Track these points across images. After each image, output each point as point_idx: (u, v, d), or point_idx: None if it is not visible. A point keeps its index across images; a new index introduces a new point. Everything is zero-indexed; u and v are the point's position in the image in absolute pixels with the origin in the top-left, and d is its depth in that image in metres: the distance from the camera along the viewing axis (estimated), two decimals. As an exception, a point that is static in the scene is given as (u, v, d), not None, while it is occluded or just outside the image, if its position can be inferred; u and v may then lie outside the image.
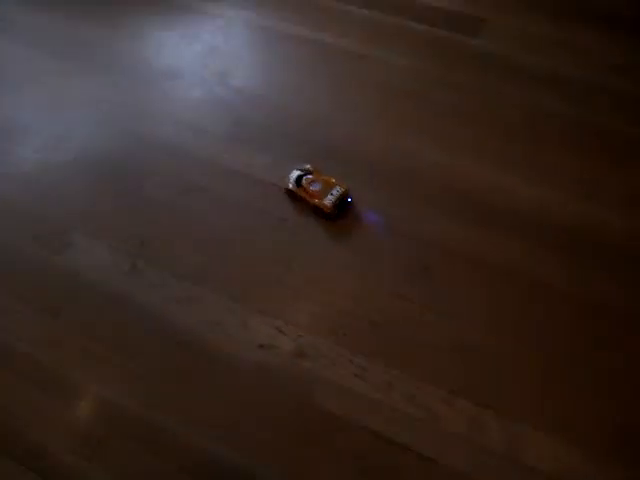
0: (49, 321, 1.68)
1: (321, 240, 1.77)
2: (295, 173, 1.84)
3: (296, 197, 1.83)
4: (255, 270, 1.73)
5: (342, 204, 1.80)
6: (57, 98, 2.13)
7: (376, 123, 1.96)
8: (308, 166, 1.85)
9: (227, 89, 2.08)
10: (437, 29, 2.14)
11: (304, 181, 1.82)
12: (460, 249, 1.71)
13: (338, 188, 1.81)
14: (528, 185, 1.81)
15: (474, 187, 1.81)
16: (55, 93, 2.15)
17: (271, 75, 2.10)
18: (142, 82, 2.13)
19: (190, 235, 1.80)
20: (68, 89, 2.15)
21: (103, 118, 2.06)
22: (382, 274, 1.70)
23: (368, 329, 1.62)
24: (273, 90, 2.06)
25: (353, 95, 2.02)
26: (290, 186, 1.83)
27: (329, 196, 1.80)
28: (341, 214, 1.81)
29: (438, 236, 1.74)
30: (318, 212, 1.81)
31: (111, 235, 1.82)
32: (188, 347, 1.62)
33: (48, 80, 2.18)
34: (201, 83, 2.11)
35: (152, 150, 1.97)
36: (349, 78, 2.07)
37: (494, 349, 1.57)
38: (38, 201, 1.90)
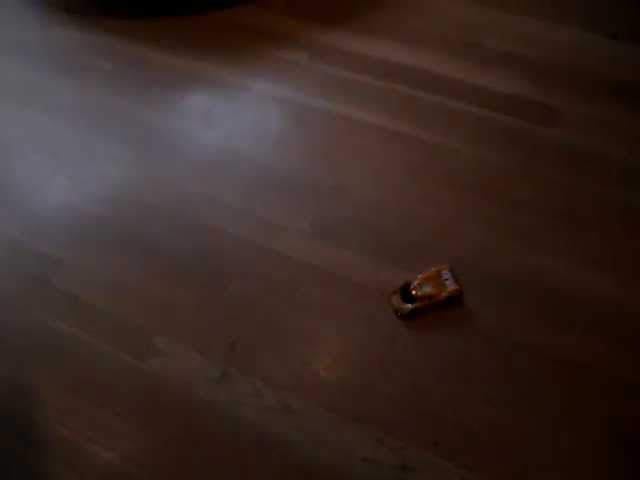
0: (136, 432, 1.64)
1: (413, 343, 1.73)
2: (396, 295, 1.79)
3: (419, 312, 1.77)
4: (349, 375, 1.69)
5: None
6: (125, 184, 2.09)
7: (457, 218, 1.93)
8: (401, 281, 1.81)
9: (305, 181, 2.05)
10: (510, 117, 2.13)
11: (414, 292, 1.77)
12: (552, 353, 1.69)
13: (444, 272, 1.79)
14: (621, 285, 1.78)
15: (569, 288, 1.79)
16: (120, 178, 2.11)
17: (347, 165, 2.07)
18: (209, 169, 2.10)
19: (280, 338, 1.76)
20: (130, 175, 2.11)
21: (174, 208, 2.01)
22: (475, 378, 1.67)
23: (460, 435, 1.59)
24: (351, 181, 2.03)
25: (432, 189, 2.00)
26: (409, 307, 1.76)
27: (447, 282, 1.77)
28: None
29: (529, 339, 1.71)
30: (450, 302, 1.78)
31: (198, 339, 1.77)
32: (287, 460, 1.58)
33: (110, 167, 2.14)
34: (278, 172, 2.08)
35: (234, 245, 1.93)
36: (428, 171, 2.04)
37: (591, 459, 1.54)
38: (115, 301, 1.85)
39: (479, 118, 2.14)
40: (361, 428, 1.62)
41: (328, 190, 2.02)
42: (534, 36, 2.34)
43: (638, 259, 1.83)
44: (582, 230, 1.89)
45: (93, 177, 2.11)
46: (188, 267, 1.90)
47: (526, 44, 2.32)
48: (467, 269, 1.83)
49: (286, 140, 2.15)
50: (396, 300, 1.77)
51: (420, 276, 1.78)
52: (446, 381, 1.67)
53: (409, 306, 1.76)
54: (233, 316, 1.80)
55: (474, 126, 2.12)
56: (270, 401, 1.66)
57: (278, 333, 1.77)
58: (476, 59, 2.29)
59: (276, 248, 1.91)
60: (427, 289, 1.76)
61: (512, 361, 1.68)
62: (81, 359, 1.76)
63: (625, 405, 1.61)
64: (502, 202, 1.96)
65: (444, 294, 1.76)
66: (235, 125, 2.20)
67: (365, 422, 1.62)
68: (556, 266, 1.83)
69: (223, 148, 2.15)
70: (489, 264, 1.85)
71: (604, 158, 2.03)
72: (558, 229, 1.90)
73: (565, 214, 1.93)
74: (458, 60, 2.30)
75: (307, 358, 1.72)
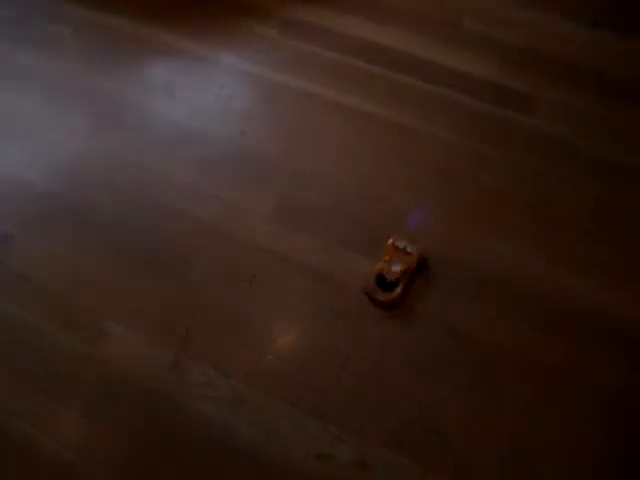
0: (79, 419, 1.56)
1: (380, 336, 1.66)
2: (376, 288, 1.71)
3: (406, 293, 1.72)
4: (310, 370, 1.62)
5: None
6: (79, 159, 1.99)
7: (424, 203, 1.86)
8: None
9: (269, 162, 1.96)
10: (485, 103, 2.05)
11: (389, 276, 1.70)
12: (524, 354, 1.63)
13: (399, 242, 1.73)
14: (596, 287, 1.73)
15: (542, 289, 1.73)
16: (76, 153, 2.00)
17: (315, 147, 1.99)
18: (174, 147, 2.00)
19: (239, 329, 1.68)
20: (90, 149, 2.01)
21: (133, 187, 1.92)
22: (443, 377, 1.60)
23: (430, 438, 1.52)
24: (318, 164, 1.95)
25: (402, 173, 1.92)
26: (399, 291, 1.70)
27: (408, 249, 1.72)
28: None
29: (503, 339, 1.65)
30: (422, 267, 1.74)
31: (151, 325, 1.69)
32: (238, 454, 1.51)
33: (69, 139, 2.03)
34: (240, 152, 1.98)
35: (191, 228, 1.84)
36: (399, 154, 1.96)
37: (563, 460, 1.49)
38: (66, 283, 1.76)
39: (452, 102, 2.07)
40: (318, 423, 1.55)
41: (294, 173, 1.93)
42: (514, 20, 2.27)
43: (615, 257, 1.78)
44: (551, 222, 1.83)
45: (47, 150, 2.01)
46: (143, 249, 1.81)
47: (505, 28, 2.24)
48: (434, 256, 1.77)
49: (252, 117, 2.06)
50: (380, 294, 1.70)
51: (383, 259, 1.71)
52: (411, 377, 1.60)
53: (398, 290, 1.69)
54: (188, 301, 1.72)
55: (447, 111, 2.05)
56: (223, 391, 1.59)
57: (235, 321, 1.69)
58: (454, 41, 2.22)
59: (237, 232, 1.83)
60: (398, 267, 1.69)
61: (480, 358, 1.62)
62: (28, 342, 1.67)
63: (596, 408, 1.56)
64: (471, 188, 1.89)
65: (414, 262, 1.71)
66: (199, 100, 2.10)
67: (322, 416, 1.56)
68: (524, 260, 1.76)
69: (185, 124, 2.05)
70: (456, 252, 1.78)
71: (579, 148, 1.96)
72: (529, 221, 1.83)
73: (537, 205, 1.86)
74: (435, 42, 2.22)
75: (264, 348, 1.65)
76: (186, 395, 1.59)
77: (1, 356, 1.64)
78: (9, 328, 1.68)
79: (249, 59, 2.20)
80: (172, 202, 1.88)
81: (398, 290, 1.69)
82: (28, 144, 2.02)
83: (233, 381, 1.60)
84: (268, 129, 2.03)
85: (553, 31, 2.24)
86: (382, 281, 1.70)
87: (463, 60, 2.16)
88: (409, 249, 1.72)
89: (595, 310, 1.68)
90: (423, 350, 1.64)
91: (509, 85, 2.09)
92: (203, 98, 2.11)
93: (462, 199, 1.87)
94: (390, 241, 1.73)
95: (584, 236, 1.80)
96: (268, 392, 1.59)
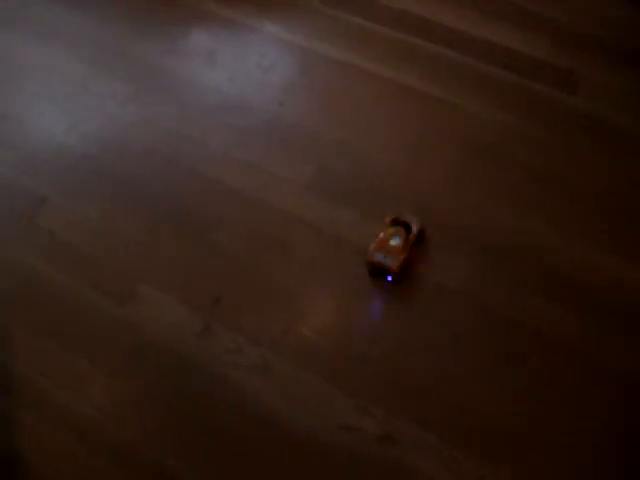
0: (108, 382, 1.57)
1: (411, 314, 1.64)
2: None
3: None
4: (340, 342, 1.61)
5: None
6: (116, 122, 1.99)
7: (459, 183, 1.83)
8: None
9: (305, 132, 1.94)
10: (527, 80, 2.00)
11: (386, 251, 1.67)
12: (556, 335, 1.59)
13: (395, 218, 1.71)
14: (629, 267, 1.68)
15: (572, 267, 1.69)
16: (114, 117, 2.00)
17: (352, 118, 1.96)
18: (211, 114, 1.99)
19: (270, 298, 1.67)
20: (128, 114, 2.01)
21: (167, 152, 1.91)
22: (467, 355, 1.58)
23: (457, 415, 1.50)
24: (355, 136, 1.92)
25: (434, 149, 1.89)
26: (402, 257, 1.67)
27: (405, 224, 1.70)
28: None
29: (531, 319, 1.62)
30: (421, 240, 1.72)
31: (181, 290, 1.69)
32: (264, 422, 1.51)
33: (107, 102, 2.03)
34: (277, 122, 1.96)
35: (223, 194, 1.83)
36: (433, 127, 1.93)
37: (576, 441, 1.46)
38: (100, 246, 1.77)
39: (493, 78, 2.02)
40: (345, 395, 1.54)
41: (331, 143, 1.91)
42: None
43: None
44: (580, 201, 1.79)
45: (84, 114, 2.01)
46: (177, 215, 1.81)
47: (552, 6, 2.18)
48: (459, 234, 1.74)
49: (291, 87, 2.04)
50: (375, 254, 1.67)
51: (379, 238, 1.69)
52: (436, 353, 1.58)
53: (401, 257, 1.66)
54: (221, 269, 1.71)
55: (488, 86, 2.01)
56: (252, 359, 1.59)
57: (266, 290, 1.68)
58: (498, 16, 2.16)
59: (271, 201, 1.82)
60: (397, 241, 1.67)
61: (506, 335, 1.60)
62: (59, 302, 1.68)
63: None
64: (506, 168, 1.85)
65: (412, 236, 1.68)
66: (238, 68, 2.09)
67: (349, 390, 1.54)
68: (556, 241, 1.73)
69: (223, 92, 2.04)
70: (483, 231, 1.75)
71: (621, 130, 1.91)
72: (560, 199, 1.79)
73: (567, 185, 1.82)
74: (480, 17, 2.17)
75: (295, 318, 1.64)
76: (215, 362, 1.59)
77: (31, 315, 1.66)
78: (41, 288, 1.70)
79: (290, 28, 2.17)
80: (207, 169, 1.88)
81: (399, 259, 1.66)
82: (66, 106, 2.03)
83: (262, 349, 1.60)
84: (307, 99, 2.01)
85: (601, 10, 2.17)
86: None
87: (508, 35, 2.11)
88: (408, 219, 1.70)
89: (613, 285, 1.65)
90: (449, 329, 1.61)
91: (553, 62, 2.04)
92: (243, 66, 2.09)
93: (498, 179, 1.83)
94: (388, 219, 1.71)
95: (613, 214, 1.76)
96: (297, 362, 1.58)
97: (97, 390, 1.56)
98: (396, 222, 1.71)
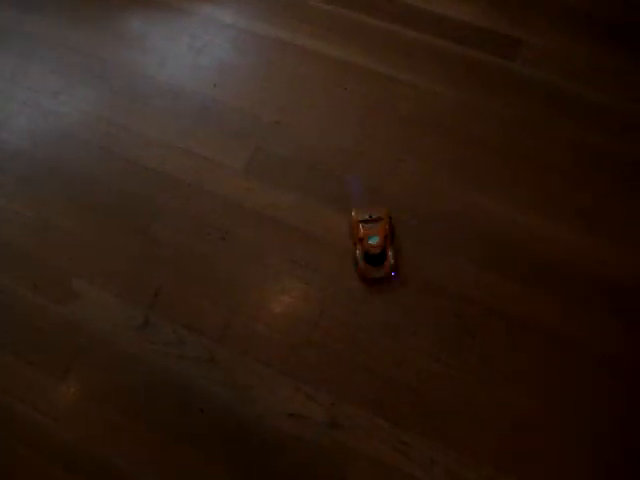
0: (55, 384, 1.53)
1: (355, 294, 1.62)
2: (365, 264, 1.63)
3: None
4: (284, 328, 1.58)
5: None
6: (47, 115, 1.93)
7: (408, 158, 1.79)
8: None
9: (242, 115, 1.90)
10: (470, 49, 1.97)
11: (373, 250, 1.62)
12: (505, 308, 1.58)
13: (361, 214, 1.66)
14: (578, 234, 1.67)
15: (521, 238, 1.67)
16: (45, 110, 1.94)
17: (291, 98, 1.92)
18: (144, 100, 1.93)
19: (210, 286, 1.64)
20: (60, 105, 1.94)
21: (101, 143, 1.86)
22: (420, 335, 1.56)
23: (407, 397, 1.49)
24: (295, 117, 1.88)
25: (382, 126, 1.85)
26: (392, 261, 1.62)
27: (374, 219, 1.65)
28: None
29: (479, 293, 1.60)
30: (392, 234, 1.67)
31: (120, 284, 1.65)
32: (209, 415, 1.49)
33: (38, 95, 1.97)
34: (212, 105, 1.91)
35: (158, 183, 1.79)
36: (378, 105, 1.89)
37: (541, 422, 1.45)
38: (37, 244, 1.72)
39: (435, 49, 1.98)
40: (290, 382, 1.52)
41: (269, 125, 1.87)
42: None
43: (601, 207, 1.71)
44: (538, 172, 1.76)
45: (15, 105, 1.95)
46: (112, 206, 1.76)
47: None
48: (411, 210, 1.72)
49: (226, 68, 1.99)
50: (375, 271, 1.62)
51: (357, 239, 1.65)
52: (387, 336, 1.57)
53: (391, 259, 1.62)
54: (158, 259, 1.68)
55: (430, 57, 1.96)
56: (194, 351, 1.56)
57: (207, 279, 1.65)
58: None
59: (208, 187, 1.77)
60: (376, 238, 1.62)
61: (458, 316, 1.58)
62: (3, 307, 1.63)
63: (583, 370, 1.52)
64: (455, 140, 1.82)
65: (387, 225, 1.64)
66: (172, 52, 2.03)
67: (295, 376, 1.53)
68: (507, 211, 1.71)
69: (156, 77, 1.98)
70: (434, 206, 1.73)
71: (567, 94, 1.88)
72: (513, 170, 1.77)
73: (521, 154, 1.79)
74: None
75: (237, 307, 1.61)
76: (157, 354, 1.56)
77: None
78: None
79: (225, 8, 2.11)
80: (141, 157, 1.83)
81: (391, 259, 1.62)
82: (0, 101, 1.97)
83: (205, 340, 1.57)
84: (243, 81, 1.96)
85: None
86: (369, 257, 1.63)
87: (447, 3, 2.06)
88: (374, 215, 1.65)
89: (577, 260, 1.64)
90: (399, 309, 1.60)
91: (495, 29, 2.00)
92: (174, 49, 2.03)
93: (440, 150, 1.80)
94: (353, 215, 1.67)
95: (568, 183, 1.74)
96: (241, 351, 1.56)
97: (42, 392, 1.52)
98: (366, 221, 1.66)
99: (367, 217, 1.65)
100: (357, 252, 1.63)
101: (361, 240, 1.63)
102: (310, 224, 1.70)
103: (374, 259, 1.62)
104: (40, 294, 1.64)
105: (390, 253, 1.63)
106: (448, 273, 1.62)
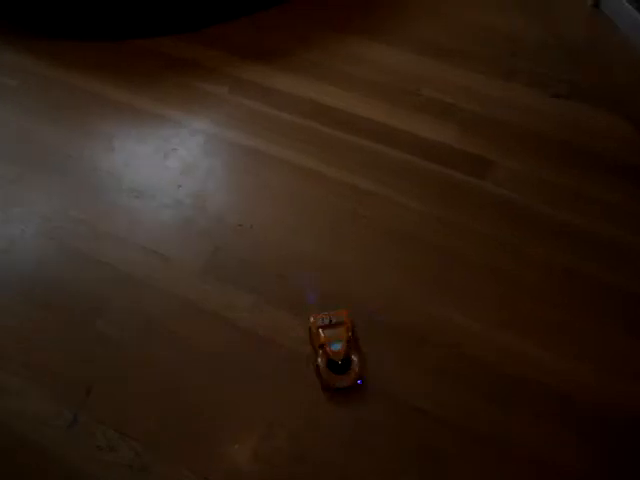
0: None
1: (313, 405, 1.47)
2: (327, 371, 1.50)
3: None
4: (224, 436, 1.42)
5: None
6: (3, 206, 1.85)
7: (384, 272, 1.71)
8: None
9: (204, 214, 1.83)
10: (440, 166, 1.94)
11: (337, 359, 1.49)
12: (479, 429, 1.44)
13: (320, 319, 1.55)
14: (556, 356, 1.56)
15: (496, 358, 1.55)
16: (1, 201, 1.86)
17: (257, 203, 1.86)
18: (106, 198, 1.87)
19: (149, 386, 1.49)
20: (16, 198, 1.87)
21: (55, 235, 1.77)
22: (378, 452, 1.41)
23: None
24: (259, 221, 1.81)
25: (356, 236, 1.79)
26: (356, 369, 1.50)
27: (334, 324, 1.54)
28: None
29: (453, 414, 1.46)
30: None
31: (52, 378, 1.50)
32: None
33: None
34: (174, 205, 1.85)
35: (111, 279, 1.68)
36: (347, 216, 1.84)
37: None
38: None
39: (406, 164, 1.96)
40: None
41: (231, 227, 1.79)
42: (475, 90, 2.19)
43: (571, 325, 1.62)
44: (507, 288, 1.68)
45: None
46: (58, 298, 1.64)
47: (464, 97, 2.17)
48: (375, 315, 1.61)
49: (192, 172, 1.94)
50: (339, 380, 1.49)
51: (317, 346, 1.53)
52: (340, 453, 1.40)
53: (355, 367, 1.49)
54: (97, 356, 1.54)
55: (400, 172, 1.94)
56: (125, 457, 1.38)
57: (148, 379, 1.50)
58: (410, 107, 2.13)
59: (161, 285, 1.67)
60: (339, 344, 1.51)
61: (420, 433, 1.43)
62: None
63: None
64: (420, 252, 1.75)
65: (350, 329, 1.53)
66: (139, 153, 1.99)
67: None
68: (474, 327, 1.60)
69: (120, 176, 1.92)
70: (401, 315, 1.62)
71: (535, 213, 1.85)
72: (482, 285, 1.69)
73: (491, 269, 1.72)
74: (390, 106, 2.13)
75: (177, 408, 1.46)
76: (83, 459, 1.38)
77: None
78: None
79: (195, 114, 2.10)
80: (96, 252, 1.73)
81: (355, 367, 1.50)
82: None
83: (138, 446, 1.40)
84: (208, 183, 1.91)
85: (514, 100, 2.16)
86: (332, 365, 1.50)
87: (420, 125, 2.07)
88: (334, 320, 1.55)
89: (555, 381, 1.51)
90: (360, 424, 1.45)
91: (468, 150, 1.99)
92: (142, 151, 2.00)
93: (414, 263, 1.73)
94: (312, 320, 1.56)
95: (541, 303, 1.65)
96: (177, 460, 1.38)
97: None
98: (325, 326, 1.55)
99: (327, 322, 1.54)
100: (319, 360, 1.50)
101: (322, 347, 1.50)
102: (263, 326, 1.59)
103: (337, 366, 1.49)
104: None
105: (355, 359, 1.50)
106: (414, 387, 1.49)
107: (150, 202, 1.85)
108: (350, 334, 1.52)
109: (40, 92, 2.19)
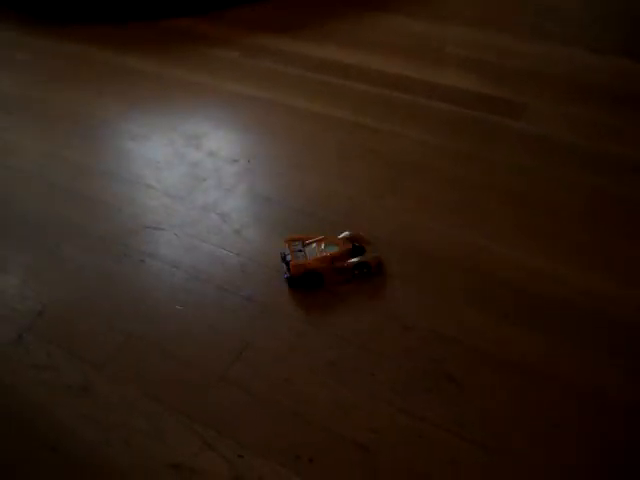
0: None
1: (297, 323, 1.25)
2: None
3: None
4: (192, 360, 1.20)
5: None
6: None
7: (398, 201, 1.52)
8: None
9: (200, 152, 1.68)
10: (473, 111, 1.76)
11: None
12: (494, 352, 1.18)
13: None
14: (584, 275, 1.31)
15: (514, 275, 1.32)
16: None
17: (260, 143, 1.73)
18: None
19: (111, 307, 1.29)
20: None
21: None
22: (382, 377, 1.15)
23: (353, 456, 1.05)
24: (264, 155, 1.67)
25: (364, 168, 1.62)
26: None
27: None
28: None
29: (466, 335, 1.21)
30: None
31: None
32: (60, 454, 1.06)
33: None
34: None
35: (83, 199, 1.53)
36: (361, 151, 1.67)
37: None
38: None
39: (422, 107, 1.79)
40: (185, 423, 1.10)
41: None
42: (502, 47, 2.02)
43: (600, 247, 1.38)
44: (540, 213, 1.47)
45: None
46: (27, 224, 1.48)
47: (491, 53, 1.99)
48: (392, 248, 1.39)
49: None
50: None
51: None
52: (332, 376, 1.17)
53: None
54: (52, 278, 1.35)
55: (415, 113, 1.78)
56: (69, 378, 1.17)
57: (103, 297, 1.31)
58: (431, 61, 1.97)
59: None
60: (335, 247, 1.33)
61: (435, 359, 1.18)
62: None
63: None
64: (437, 181, 1.57)
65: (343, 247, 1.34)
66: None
67: (193, 418, 1.11)
68: (507, 251, 1.38)
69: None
70: (425, 244, 1.41)
71: (569, 146, 1.64)
72: (513, 212, 1.48)
73: (522, 196, 1.51)
74: (410, 61, 1.98)
75: (135, 327, 1.25)
76: (22, 378, 1.17)
77: None
78: None
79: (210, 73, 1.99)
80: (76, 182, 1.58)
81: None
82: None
83: (85, 366, 1.18)
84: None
85: (545, 54, 1.98)
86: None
87: (447, 76, 1.90)
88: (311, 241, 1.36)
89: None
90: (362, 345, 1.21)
91: (499, 95, 1.81)
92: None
93: (429, 191, 1.54)
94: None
95: (574, 224, 1.43)
96: (127, 382, 1.16)
97: None
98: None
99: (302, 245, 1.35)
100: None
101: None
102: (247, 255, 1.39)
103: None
104: None
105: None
106: (428, 310, 1.26)
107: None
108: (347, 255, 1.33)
109: (54, 66, 2.11)
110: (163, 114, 1.85)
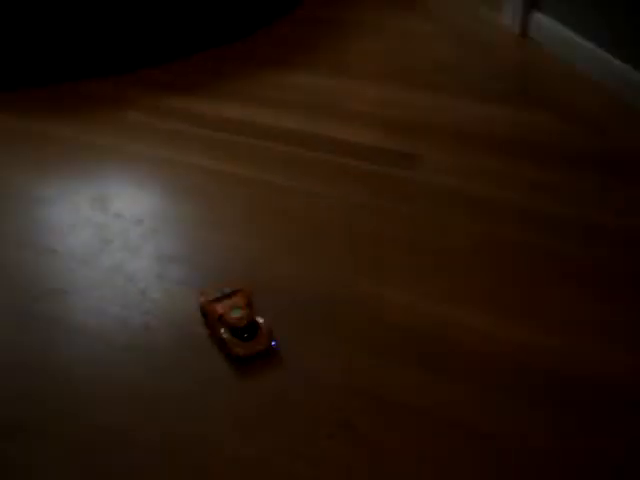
0: None
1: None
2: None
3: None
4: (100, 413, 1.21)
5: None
6: None
7: (294, 255, 1.57)
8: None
9: (106, 214, 1.70)
10: (370, 164, 1.85)
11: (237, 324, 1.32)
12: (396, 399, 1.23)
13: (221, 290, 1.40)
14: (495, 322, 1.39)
15: (418, 322, 1.38)
16: None
17: (180, 202, 1.76)
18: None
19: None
20: None
21: None
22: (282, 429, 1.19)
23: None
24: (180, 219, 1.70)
25: (267, 225, 1.67)
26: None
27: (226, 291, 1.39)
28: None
29: (367, 383, 1.26)
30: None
31: None
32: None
33: None
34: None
35: None
36: (270, 209, 1.72)
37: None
38: None
39: (323, 162, 1.86)
40: None
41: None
42: (396, 100, 2.13)
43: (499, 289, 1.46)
44: (429, 259, 1.54)
45: None
46: None
47: (387, 106, 2.10)
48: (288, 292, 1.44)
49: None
50: (242, 346, 1.31)
51: (219, 312, 1.34)
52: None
53: (264, 330, 1.32)
54: None
55: (315, 169, 1.84)
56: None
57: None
58: (334, 117, 2.05)
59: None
60: (238, 311, 1.33)
61: (337, 409, 1.22)
62: None
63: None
64: (344, 236, 1.62)
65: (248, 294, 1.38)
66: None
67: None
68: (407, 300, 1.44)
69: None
70: (309, 291, 1.46)
71: (456, 193, 1.74)
72: (408, 258, 1.55)
73: (411, 244, 1.58)
74: (313, 118, 2.05)
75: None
76: None
77: None
78: None
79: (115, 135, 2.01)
80: None
81: (264, 328, 1.32)
82: None
83: None
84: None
85: (437, 105, 2.09)
86: (237, 334, 1.32)
87: (346, 131, 1.99)
88: (227, 291, 1.39)
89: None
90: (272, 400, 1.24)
91: (394, 148, 1.91)
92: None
93: (335, 246, 1.59)
94: (202, 299, 1.40)
95: (466, 269, 1.50)
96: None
97: None
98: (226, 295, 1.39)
99: (220, 295, 1.38)
100: (222, 331, 1.32)
101: (221, 317, 1.33)
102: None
103: (244, 333, 1.31)
104: None
105: (261, 320, 1.33)
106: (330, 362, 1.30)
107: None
108: (249, 300, 1.36)
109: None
110: (68, 177, 1.86)
